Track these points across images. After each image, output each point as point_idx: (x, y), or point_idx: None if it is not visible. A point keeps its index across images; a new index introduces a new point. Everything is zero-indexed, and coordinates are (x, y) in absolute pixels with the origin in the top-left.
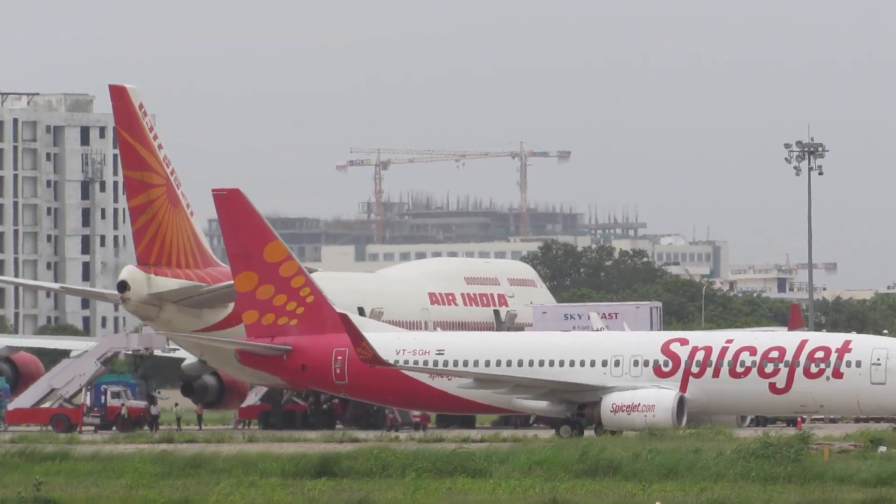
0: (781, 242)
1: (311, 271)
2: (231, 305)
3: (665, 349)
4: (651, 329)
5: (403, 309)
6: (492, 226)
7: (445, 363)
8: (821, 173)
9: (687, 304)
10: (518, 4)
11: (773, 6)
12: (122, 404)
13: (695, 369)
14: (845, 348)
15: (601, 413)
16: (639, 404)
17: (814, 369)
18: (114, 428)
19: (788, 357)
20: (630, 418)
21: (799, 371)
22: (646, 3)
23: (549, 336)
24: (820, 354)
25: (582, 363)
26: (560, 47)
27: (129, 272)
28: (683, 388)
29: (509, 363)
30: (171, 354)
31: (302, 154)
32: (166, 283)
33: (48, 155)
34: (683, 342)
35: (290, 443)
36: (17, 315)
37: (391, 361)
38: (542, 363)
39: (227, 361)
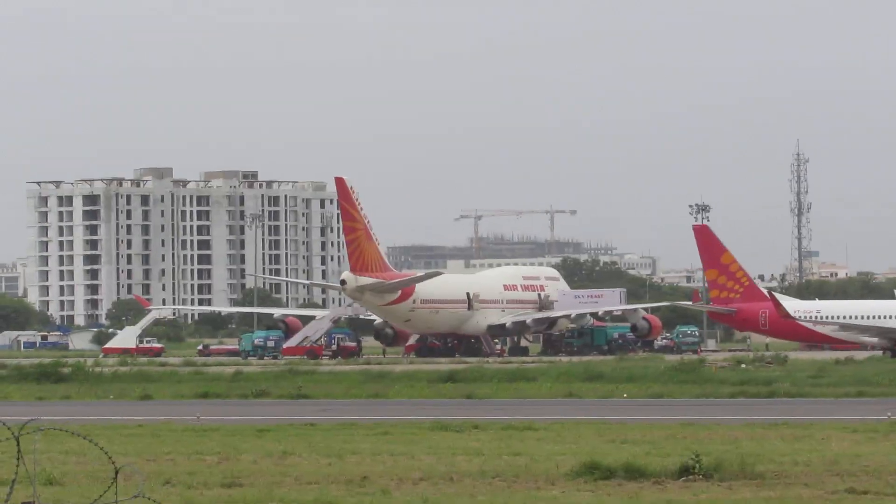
0: (688, 256)
1: (440, 274)
2: (399, 291)
3: None
4: (620, 303)
5: (489, 293)
6: (536, 250)
7: (823, 317)
8: (708, 220)
9: (638, 290)
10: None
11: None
12: (339, 344)
13: None
14: None
15: None
16: None
17: None
18: (339, 356)
19: None
20: None
21: None
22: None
23: (877, 303)
24: None
25: None
26: (573, 145)
27: (346, 275)
28: None
29: (856, 317)
30: (368, 317)
31: (436, 212)
32: (365, 280)
33: (303, 213)
34: None
35: (431, 364)
36: (287, 298)
37: (794, 316)
38: (874, 318)
39: (399, 320)
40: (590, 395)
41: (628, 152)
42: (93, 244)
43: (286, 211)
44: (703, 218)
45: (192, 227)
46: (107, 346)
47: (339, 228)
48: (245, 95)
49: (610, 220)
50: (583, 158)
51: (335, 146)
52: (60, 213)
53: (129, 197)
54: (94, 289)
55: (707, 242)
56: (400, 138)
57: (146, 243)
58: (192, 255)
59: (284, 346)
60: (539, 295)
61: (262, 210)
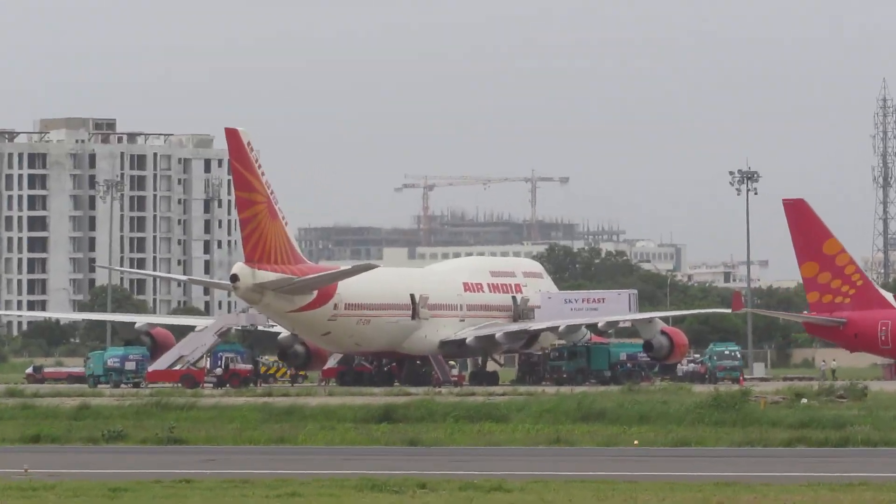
0: (727, 244)
1: (373, 267)
2: (314, 292)
3: None
4: (629, 311)
5: (444, 295)
6: (510, 233)
7: None
8: (756, 193)
9: (656, 291)
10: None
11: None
12: (227, 366)
13: None
14: None
15: None
16: None
17: None
18: (227, 385)
19: None
20: None
21: None
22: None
23: None
24: None
25: None
26: (559, 94)
27: (239, 267)
28: None
29: None
30: (270, 328)
31: (367, 178)
32: (267, 275)
33: (179, 180)
34: None
35: (359, 396)
36: (155, 300)
37: None
38: None
39: (314, 333)
40: (586, 442)
41: (642, 103)
42: None
43: (156, 176)
44: (749, 190)
45: (20, 197)
46: None
47: (230, 202)
48: (99, 18)
49: (616, 194)
50: (579, 110)
51: (227, 93)
52: None
53: None
54: None
55: (803, 225)
56: (317, 83)
57: None
58: (19, 239)
59: (150, 368)
60: (514, 298)
61: (122, 174)
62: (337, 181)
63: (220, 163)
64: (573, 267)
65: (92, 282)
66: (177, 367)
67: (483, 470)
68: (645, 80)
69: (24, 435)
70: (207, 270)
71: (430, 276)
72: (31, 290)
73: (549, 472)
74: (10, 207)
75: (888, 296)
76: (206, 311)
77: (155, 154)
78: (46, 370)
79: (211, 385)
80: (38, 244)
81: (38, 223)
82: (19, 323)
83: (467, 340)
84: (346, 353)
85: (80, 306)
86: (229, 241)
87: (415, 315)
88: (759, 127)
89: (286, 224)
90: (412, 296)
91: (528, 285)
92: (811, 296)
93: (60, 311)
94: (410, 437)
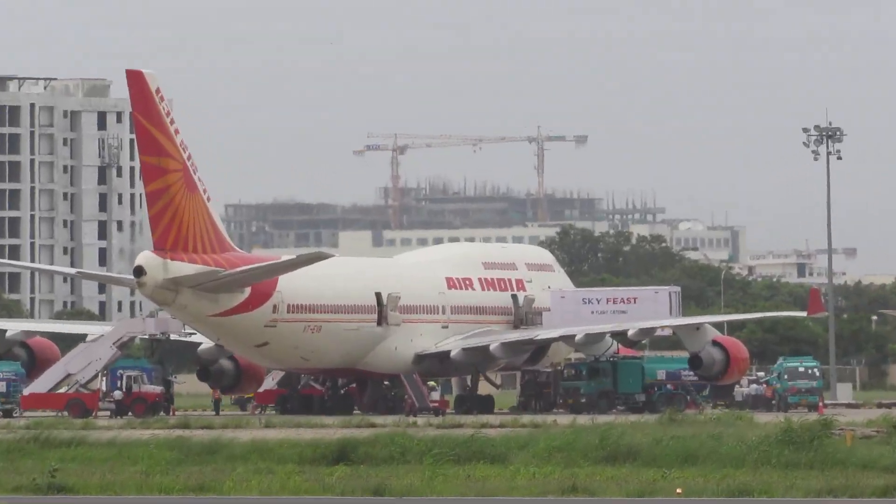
0: (800, 227)
1: (326, 256)
2: (247, 291)
3: None
4: (670, 314)
5: (420, 294)
6: (509, 211)
7: None
8: (839, 158)
9: (706, 289)
10: None
11: None
12: (129, 388)
13: None
14: None
15: None
16: None
17: None
18: (129, 413)
19: None
20: None
21: None
22: None
23: None
24: None
25: None
26: (576, 27)
27: (146, 257)
28: None
29: None
30: (188, 339)
31: (318, 138)
32: (183, 268)
33: (65, 140)
34: None
35: (307, 428)
36: (33, 300)
37: None
38: None
39: (246, 344)
40: (611, 491)
41: (689, 47)
42: None
43: (33, 134)
44: (829, 153)
45: None
46: None
47: (133, 169)
48: None
49: (651, 160)
50: (601, 54)
51: (129, 33)
52: None
53: None
54: None
55: None
56: (226, 10)
57: None
58: None
59: (26, 390)
60: (514, 297)
61: None
62: (276, 144)
63: (119, 117)
64: (594, 256)
65: None
66: (62, 390)
67: None
68: (691, 18)
69: None
70: (103, 261)
71: (401, 268)
72: None
73: None
74: None
75: None
76: (102, 316)
77: (32, 105)
78: None
79: (108, 413)
80: None
81: None
82: None
83: (452, 354)
84: (288, 370)
85: None
86: (132, 223)
87: (382, 320)
88: (837, 74)
89: (209, 199)
90: (378, 295)
91: (533, 281)
92: None
93: None
94: (375, 483)
